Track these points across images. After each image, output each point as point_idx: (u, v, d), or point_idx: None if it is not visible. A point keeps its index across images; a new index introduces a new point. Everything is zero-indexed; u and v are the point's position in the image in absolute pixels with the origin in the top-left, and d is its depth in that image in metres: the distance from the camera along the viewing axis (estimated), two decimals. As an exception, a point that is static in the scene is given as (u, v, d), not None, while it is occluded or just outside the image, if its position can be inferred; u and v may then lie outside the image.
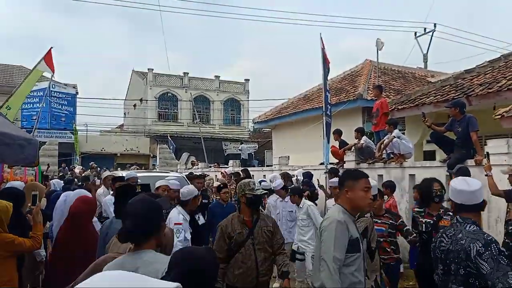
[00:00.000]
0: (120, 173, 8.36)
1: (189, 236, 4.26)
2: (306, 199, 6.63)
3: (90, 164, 21.19)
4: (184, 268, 1.56)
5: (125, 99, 34.75)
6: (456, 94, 8.57)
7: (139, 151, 29.69)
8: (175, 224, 4.15)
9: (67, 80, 28.98)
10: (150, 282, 0.99)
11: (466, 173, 5.63)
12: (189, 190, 4.59)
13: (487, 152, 6.14)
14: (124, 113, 36.35)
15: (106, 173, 7.83)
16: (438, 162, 7.55)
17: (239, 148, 23.60)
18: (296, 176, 9.76)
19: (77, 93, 28.72)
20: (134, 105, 33.23)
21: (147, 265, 1.93)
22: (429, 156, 10.02)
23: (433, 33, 20.00)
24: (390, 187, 6.73)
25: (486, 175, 5.35)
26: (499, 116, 7.25)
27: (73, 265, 3.01)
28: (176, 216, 4.31)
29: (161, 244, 2.24)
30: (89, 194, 4.33)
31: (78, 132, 27.17)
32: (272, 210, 7.33)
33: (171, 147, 24.73)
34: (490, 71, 9.03)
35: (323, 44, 9.48)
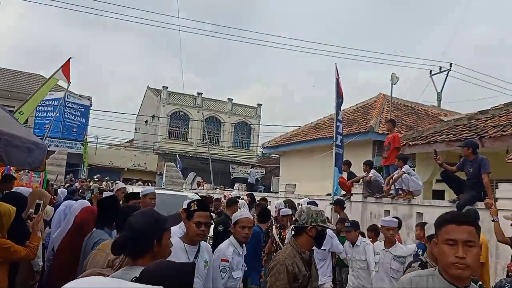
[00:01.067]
0: (131, 188, 7.82)
1: (239, 275, 3.50)
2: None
3: (96, 176, 21.26)
4: (156, 280, 1.43)
5: (137, 115, 35.15)
6: (469, 134, 8.47)
7: (146, 168, 29.75)
8: (222, 260, 3.37)
9: (82, 92, 29.52)
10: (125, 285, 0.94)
11: (475, 215, 5.49)
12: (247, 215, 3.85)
13: (495, 197, 6.01)
14: (135, 128, 36.69)
15: (120, 185, 7.29)
16: (447, 202, 7.39)
17: (248, 171, 23.46)
18: (301, 205, 9.63)
19: (91, 105, 29.13)
20: (146, 121, 33.54)
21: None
22: (438, 195, 9.84)
23: (448, 72, 20.08)
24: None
25: (492, 220, 5.21)
26: (512, 160, 7.14)
27: (74, 273, 2.95)
28: (225, 249, 3.48)
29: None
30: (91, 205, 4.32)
31: (88, 144, 27.40)
32: None
33: (178, 166, 24.76)
34: (505, 114, 8.94)
35: (337, 74, 9.55)
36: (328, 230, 3.29)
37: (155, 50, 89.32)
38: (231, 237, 3.61)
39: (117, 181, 17.27)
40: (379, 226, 5.40)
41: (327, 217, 5.43)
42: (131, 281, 1.51)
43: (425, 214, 7.42)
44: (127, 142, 36.27)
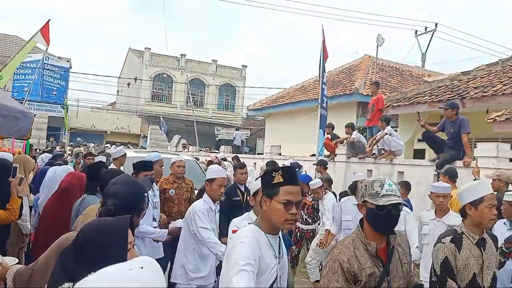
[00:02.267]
0: (131, 153, 7.47)
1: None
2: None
3: (77, 140, 21.00)
4: (80, 238, 1.43)
5: (119, 77, 34.37)
6: (451, 95, 8.61)
7: (129, 130, 29.51)
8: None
9: (61, 54, 28.57)
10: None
11: (453, 173, 5.69)
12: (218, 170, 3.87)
13: (476, 157, 6.22)
14: (117, 91, 35.99)
15: (120, 149, 6.52)
16: (428, 161, 7.63)
17: (234, 134, 23.45)
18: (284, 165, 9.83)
19: (70, 67, 28.32)
20: (128, 84, 32.89)
21: None
22: (419, 154, 10.10)
23: (433, 32, 20.02)
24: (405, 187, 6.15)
25: (474, 180, 5.41)
26: (491, 120, 7.31)
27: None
28: (201, 205, 3.62)
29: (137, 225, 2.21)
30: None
31: (69, 107, 26.86)
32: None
33: (163, 128, 24.61)
34: (487, 74, 9.07)
35: (324, 36, 9.45)
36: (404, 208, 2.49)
37: (138, 10, 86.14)
38: (205, 195, 3.69)
39: (115, 146, 16.23)
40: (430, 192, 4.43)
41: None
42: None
43: (406, 173, 7.66)
44: (109, 105, 35.66)
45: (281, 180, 1.93)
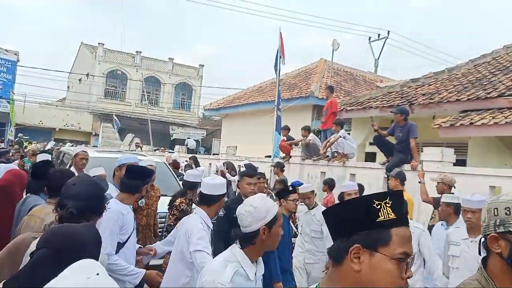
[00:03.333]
0: (93, 153, 6.59)
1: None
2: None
3: (18, 136, 19.86)
4: (49, 245, 1.37)
5: (70, 72, 32.91)
6: (401, 101, 8.97)
7: (80, 128, 28.35)
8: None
9: (9, 47, 26.98)
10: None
11: (404, 177, 5.92)
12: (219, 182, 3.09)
13: (421, 160, 6.50)
14: (68, 87, 34.46)
15: (79, 148, 5.80)
16: (378, 164, 7.89)
17: (186, 143, 22.59)
18: (240, 167, 9.84)
19: (18, 60, 26.78)
20: (80, 79, 31.58)
21: None
22: (370, 157, 10.44)
23: (386, 39, 20.82)
24: (329, 184, 6.95)
25: (419, 182, 5.66)
26: (437, 126, 7.70)
27: (5, 238, 2.82)
28: (198, 225, 2.84)
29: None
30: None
31: (16, 102, 25.37)
32: (306, 227, 4.86)
33: (116, 126, 23.82)
34: (434, 82, 9.54)
35: (281, 39, 9.53)
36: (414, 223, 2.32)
37: (92, 4, 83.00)
38: (199, 209, 3.01)
39: (74, 145, 14.96)
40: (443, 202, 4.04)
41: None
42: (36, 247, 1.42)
43: (357, 175, 7.88)
44: (58, 100, 34.05)
45: (393, 216, 1.09)
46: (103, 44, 29.89)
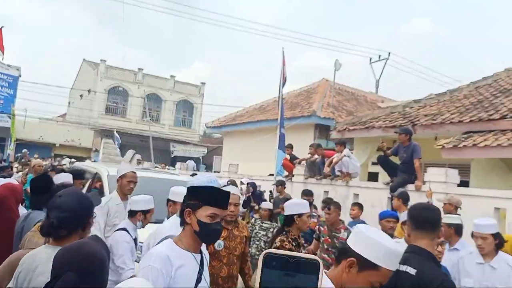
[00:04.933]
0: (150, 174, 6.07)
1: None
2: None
3: (22, 152, 19.83)
4: (74, 268, 1.36)
5: (71, 88, 33.11)
6: (404, 121, 9.03)
7: (80, 144, 28.33)
8: None
9: (11, 62, 27.23)
10: None
11: (407, 197, 5.93)
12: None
13: (429, 181, 6.52)
14: (69, 102, 34.60)
15: (126, 167, 4.51)
16: (382, 184, 7.89)
17: (186, 163, 22.17)
18: (242, 182, 9.81)
19: (20, 75, 26.96)
20: (81, 95, 31.74)
21: (47, 263, 1.71)
22: (373, 177, 10.45)
23: (386, 60, 21.09)
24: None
25: (427, 202, 5.65)
26: (440, 147, 7.74)
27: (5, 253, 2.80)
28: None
29: None
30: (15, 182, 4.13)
31: (16, 117, 25.41)
32: None
33: (116, 143, 23.81)
34: (436, 103, 9.63)
35: (284, 59, 9.66)
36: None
37: (95, 22, 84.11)
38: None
39: (69, 160, 15.09)
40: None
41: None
42: None
43: (360, 195, 7.88)
44: (59, 116, 34.13)
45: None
46: (105, 61, 30.17)
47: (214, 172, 17.17)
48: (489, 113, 7.90)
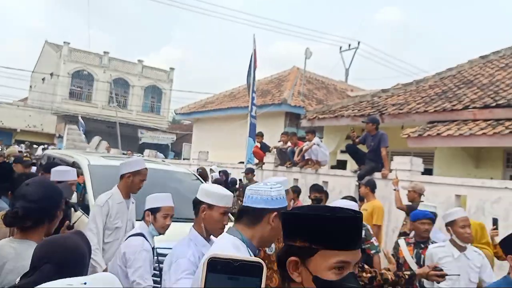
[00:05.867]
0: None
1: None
2: None
3: None
4: (52, 261, 1.33)
5: (33, 71, 31.70)
6: (372, 110, 9.22)
7: (42, 129, 27.30)
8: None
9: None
10: None
11: (374, 184, 6.09)
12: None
13: (395, 169, 6.71)
14: (30, 86, 33.16)
15: (139, 162, 3.60)
16: (350, 172, 8.06)
17: (155, 153, 21.46)
18: (212, 170, 9.78)
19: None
20: (43, 79, 30.48)
21: (17, 260, 1.65)
22: (342, 165, 10.65)
23: (356, 50, 21.36)
24: (296, 191, 7.00)
25: (394, 189, 5.83)
26: (406, 136, 7.97)
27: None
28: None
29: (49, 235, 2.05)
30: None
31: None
32: None
33: (81, 129, 23.10)
34: (403, 93, 9.87)
35: (255, 46, 9.61)
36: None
37: (58, 3, 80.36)
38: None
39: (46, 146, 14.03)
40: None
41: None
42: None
43: (330, 183, 8.02)
44: (20, 100, 32.67)
45: None
46: (69, 43, 29.03)
47: (184, 159, 17.01)
48: (452, 103, 8.18)
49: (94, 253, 2.96)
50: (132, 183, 3.40)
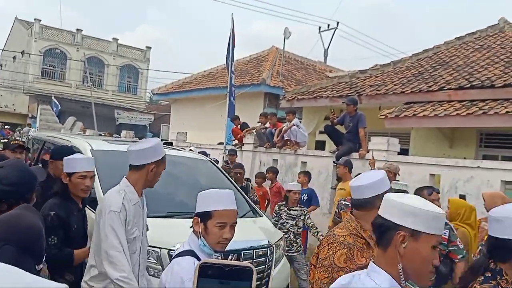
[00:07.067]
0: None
1: None
2: None
3: None
4: (12, 242, 1.32)
5: (3, 49, 30.46)
6: (350, 91, 9.28)
7: (14, 110, 26.49)
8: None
9: None
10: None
11: (351, 164, 6.20)
12: None
13: (372, 150, 6.82)
14: (0, 65, 31.90)
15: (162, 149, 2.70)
16: (328, 152, 8.16)
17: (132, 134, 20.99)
18: (191, 150, 9.69)
19: None
20: (14, 57, 29.33)
21: None
22: (320, 145, 10.76)
23: (335, 30, 21.31)
24: (274, 172, 7.29)
25: (370, 170, 5.92)
26: (383, 116, 8.08)
27: None
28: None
29: None
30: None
31: None
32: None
33: (55, 109, 22.46)
34: (381, 74, 9.96)
35: (233, 25, 9.44)
36: None
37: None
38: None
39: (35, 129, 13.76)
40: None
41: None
42: None
43: (308, 163, 8.10)
44: (-11, 80, 31.48)
45: None
46: (40, 20, 27.94)
47: (162, 140, 16.81)
48: (428, 84, 8.31)
49: (128, 285, 2.34)
50: (154, 176, 2.56)
